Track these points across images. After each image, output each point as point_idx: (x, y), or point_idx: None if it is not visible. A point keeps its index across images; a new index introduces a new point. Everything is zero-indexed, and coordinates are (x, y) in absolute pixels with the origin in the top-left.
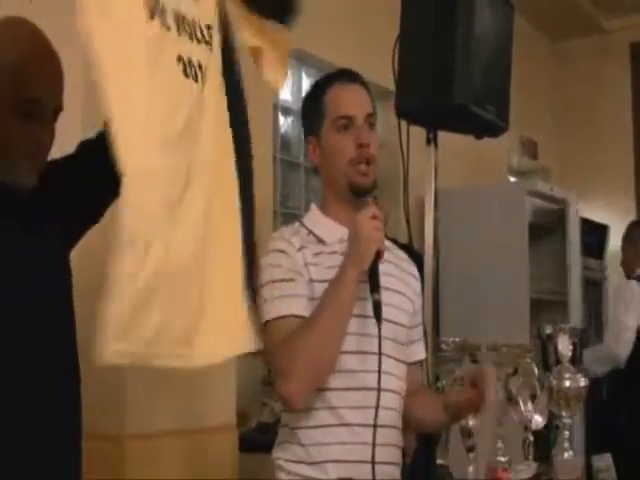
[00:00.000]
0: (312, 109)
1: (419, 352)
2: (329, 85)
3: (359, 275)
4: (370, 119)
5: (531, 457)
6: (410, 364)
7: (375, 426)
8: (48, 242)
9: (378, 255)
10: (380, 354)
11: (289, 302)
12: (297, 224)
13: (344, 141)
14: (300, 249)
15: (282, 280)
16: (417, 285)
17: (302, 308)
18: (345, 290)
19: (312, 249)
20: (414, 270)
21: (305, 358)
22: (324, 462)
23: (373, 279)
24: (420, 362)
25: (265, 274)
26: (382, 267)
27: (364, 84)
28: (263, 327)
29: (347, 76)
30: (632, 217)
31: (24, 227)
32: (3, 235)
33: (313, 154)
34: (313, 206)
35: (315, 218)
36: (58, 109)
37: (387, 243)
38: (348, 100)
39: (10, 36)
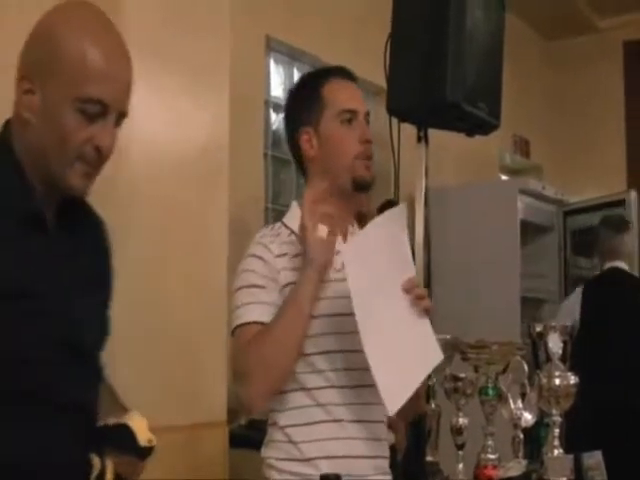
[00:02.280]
0: (309, 99)
1: None
2: (328, 78)
3: (313, 282)
4: (367, 117)
5: (521, 455)
6: None
7: (364, 421)
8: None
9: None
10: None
11: (256, 309)
12: (278, 224)
13: (349, 135)
14: (279, 255)
15: (253, 286)
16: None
17: (267, 315)
18: (301, 293)
19: (292, 252)
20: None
21: (260, 363)
22: (316, 458)
23: None
24: None
25: (239, 279)
26: None
27: (357, 83)
28: (234, 330)
29: (346, 73)
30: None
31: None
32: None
33: (308, 145)
34: (294, 204)
35: (296, 217)
36: (123, 115)
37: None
38: (351, 95)
39: (79, 21)
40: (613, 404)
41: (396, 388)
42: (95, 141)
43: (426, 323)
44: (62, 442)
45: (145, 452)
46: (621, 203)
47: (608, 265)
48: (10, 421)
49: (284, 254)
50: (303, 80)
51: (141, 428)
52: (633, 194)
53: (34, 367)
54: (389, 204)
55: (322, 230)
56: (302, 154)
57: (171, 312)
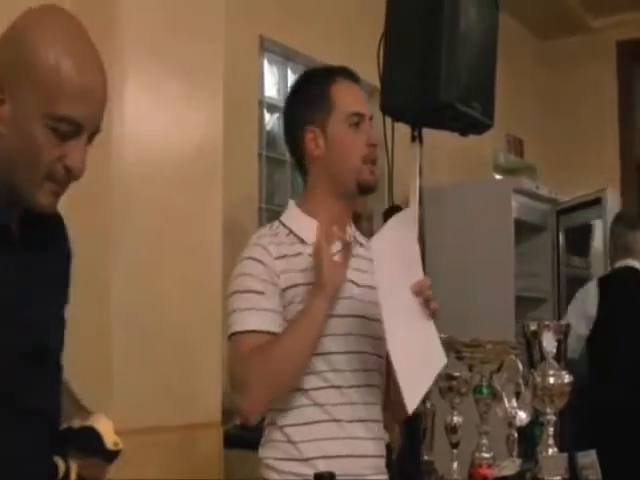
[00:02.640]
0: (315, 98)
1: None
2: (335, 78)
3: (325, 304)
4: (371, 121)
5: (515, 453)
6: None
7: (363, 421)
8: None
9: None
10: (361, 353)
11: (255, 316)
12: (276, 224)
13: (357, 138)
14: (278, 257)
15: (253, 291)
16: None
17: (268, 323)
18: (310, 320)
19: (291, 251)
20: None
21: (264, 376)
22: (314, 458)
23: None
24: None
25: (236, 283)
26: (354, 263)
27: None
28: (230, 337)
29: (352, 75)
30: None
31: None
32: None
33: (313, 144)
34: (291, 203)
35: (295, 216)
36: (95, 132)
37: (360, 238)
38: (358, 97)
39: (52, 28)
40: (617, 404)
41: (414, 388)
42: (66, 161)
43: (432, 326)
44: (26, 447)
45: (112, 455)
46: (598, 201)
47: (619, 263)
48: None
49: (283, 256)
50: (308, 77)
51: (107, 431)
52: (610, 192)
53: None
54: (395, 209)
55: (335, 247)
56: (304, 152)
57: (166, 313)
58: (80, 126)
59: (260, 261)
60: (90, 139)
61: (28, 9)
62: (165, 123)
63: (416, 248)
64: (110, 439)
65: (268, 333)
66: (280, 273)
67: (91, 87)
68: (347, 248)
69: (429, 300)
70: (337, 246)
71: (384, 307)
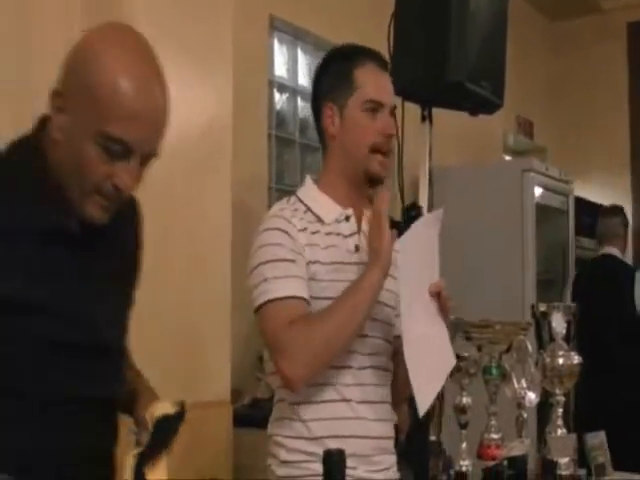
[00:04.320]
0: (340, 76)
1: None
2: (364, 61)
3: (382, 280)
4: (393, 111)
5: (524, 434)
6: (395, 337)
7: (372, 402)
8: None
9: None
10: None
11: (294, 283)
12: (293, 199)
13: (370, 125)
14: (301, 230)
15: (285, 260)
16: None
17: (305, 291)
18: (365, 294)
19: (311, 228)
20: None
21: (316, 348)
22: (324, 437)
23: None
24: None
25: (262, 253)
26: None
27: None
28: (264, 305)
29: (382, 62)
30: (628, 197)
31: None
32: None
33: (329, 121)
34: (308, 179)
35: (312, 194)
36: (151, 156)
37: None
38: (382, 86)
39: (116, 49)
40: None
41: (426, 389)
42: (114, 179)
43: (444, 327)
44: (90, 433)
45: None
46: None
47: (600, 251)
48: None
49: (305, 229)
50: (338, 52)
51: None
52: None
53: (56, 369)
54: (414, 207)
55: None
56: (323, 127)
57: (175, 293)
58: (130, 149)
59: (286, 232)
60: (145, 161)
61: (99, 25)
62: (175, 103)
63: (436, 250)
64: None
65: (303, 299)
66: (304, 246)
67: (146, 112)
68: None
69: (445, 301)
70: (350, 226)
71: (405, 306)
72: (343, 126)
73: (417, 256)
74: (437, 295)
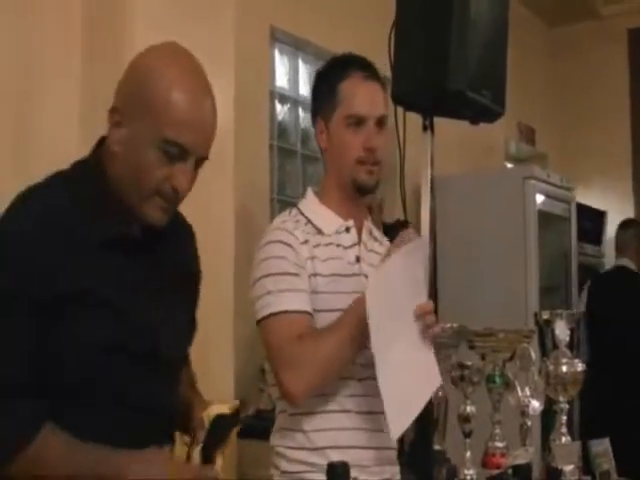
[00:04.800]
0: (326, 91)
1: None
2: (348, 73)
3: None
4: (382, 120)
5: (529, 442)
6: None
7: (373, 413)
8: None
9: None
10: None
11: (298, 297)
12: (295, 211)
13: (352, 139)
14: (303, 243)
15: (288, 273)
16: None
17: (309, 305)
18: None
19: (312, 241)
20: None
21: (319, 364)
22: (325, 448)
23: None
24: None
25: (268, 265)
26: (369, 258)
27: (381, 81)
28: (267, 317)
29: (366, 69)
30: (630, 203)
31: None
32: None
33: (320, 136)
34: (310, 192)
35: (313, 206)
36: (203, 159)
37: (375, 233)
38: (364, 98)
39: (170, 66)
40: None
41: (401, 414)
42: (173, 181)
43: (430, 349)
44: (138, 443)
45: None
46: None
47: (615, 263)
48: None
49: (306, 241)
50: (328, 66)
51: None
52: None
53: (110, 371)
54: (400, 224)
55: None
56: (317, 142)
57: None
58: (187, 151)
59: (289, 244)
60: (198, 165)
61: (150, 46)
62: None
63: (422, 272)
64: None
65: (309, 314)
66: (306, 259)
67: (198, 118)
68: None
69: (430, 325)
70: (350, 237)
71: (373, 335)
72: (329, 141)
73: (399, 280)
74: (421, 318)
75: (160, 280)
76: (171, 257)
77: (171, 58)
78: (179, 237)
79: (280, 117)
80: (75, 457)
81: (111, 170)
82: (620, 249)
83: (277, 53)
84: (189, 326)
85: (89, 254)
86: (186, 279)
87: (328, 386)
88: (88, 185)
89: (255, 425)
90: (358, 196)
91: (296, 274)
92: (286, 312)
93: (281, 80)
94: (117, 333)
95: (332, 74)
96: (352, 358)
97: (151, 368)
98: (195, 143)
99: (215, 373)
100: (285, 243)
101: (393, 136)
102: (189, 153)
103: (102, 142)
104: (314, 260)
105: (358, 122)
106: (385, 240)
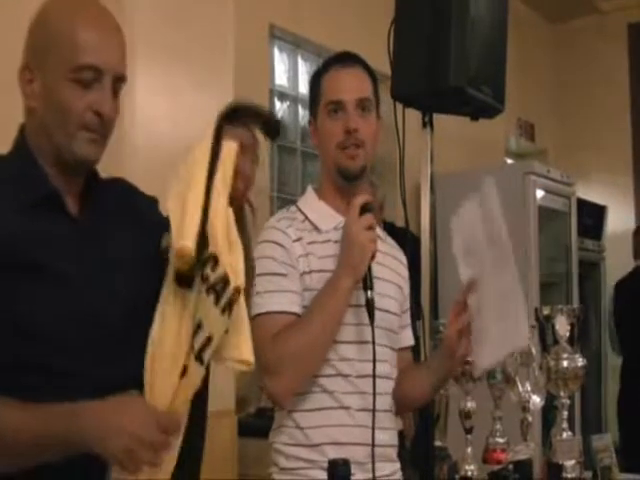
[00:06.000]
0: (311, 92)
1: (409, 338)
2: (326, 69)
3: (353, 285)
4: (363, 103)
5: (529, 438)
6: (401, 349)
7: (373, 410)
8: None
9: (372, 257)
10: (374, 343)
11: (279, 298)
12: (293, 208)
13: (333, 126)
14: (296, 240)
15: (274, 274)
16: (405, 271)
17: (292, 304)
18: (338, 300)
19: (307, 238)
20: (402, 257)
21: (294, 361)
22: (322, 444)
23: (366, 277)
24: (410, 348)
25: (259, 266)
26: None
27: (364, 66)
28: (253, 319)
29: (345, 60)
30: (630, 198)
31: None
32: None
33: (313, 134)
34: (309, 188)
35: (311, 203)
36: (120, 79)
37: (378, 231)
38: (340, 85)
39: (71, 6)
40: None
41: (485, 356)
42: (94, 107)
43: (522, 303)
44: None
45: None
46: None
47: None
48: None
49: (300, 238)
50: (318, 68)
51: None
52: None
53: (54, 342)
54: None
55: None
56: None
57: None
58: (100, 70)
59: (280, 244)
60: (115, 88)
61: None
62: (176, 112)
63: (501, 219)
64: None
65: (293, 314)
66: (299, 257)
67: (104, 35)
68: (374, 227)
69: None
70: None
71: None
72: (316, 136)
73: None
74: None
75: (99, 250)
76: (114, 230)
77: (72, 2)
78: (126, 207)
79: (280, 115)
80: (30, 419)
81: (31, 134)
82: (638, 253)
83: (276, 51)
84: (127, 302)
85: (14, 217)
86: (127, 255)
87: (324, 383)
88: (10, 159)
89: (256, 423)
90: (345, 184)
91: (284, 274)
92: (268, 313)
93: (280, 78)
94: (57, 299)
95: (317, 73)
96: (329, 339)
97: (97, 337)
98: (106, 60)
99: (216, 371)
100: (276, 242)
101: (392, 133)
102: (103, 73)
103: (23, 129)
104: (309, 257)
105: (337, 108)
106: (389, 239)
